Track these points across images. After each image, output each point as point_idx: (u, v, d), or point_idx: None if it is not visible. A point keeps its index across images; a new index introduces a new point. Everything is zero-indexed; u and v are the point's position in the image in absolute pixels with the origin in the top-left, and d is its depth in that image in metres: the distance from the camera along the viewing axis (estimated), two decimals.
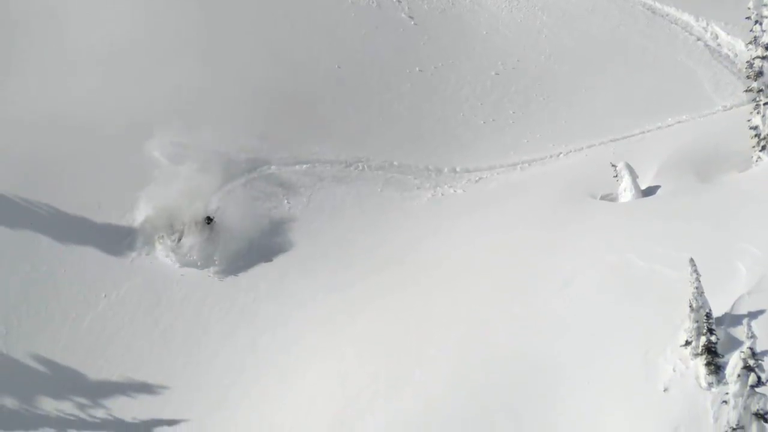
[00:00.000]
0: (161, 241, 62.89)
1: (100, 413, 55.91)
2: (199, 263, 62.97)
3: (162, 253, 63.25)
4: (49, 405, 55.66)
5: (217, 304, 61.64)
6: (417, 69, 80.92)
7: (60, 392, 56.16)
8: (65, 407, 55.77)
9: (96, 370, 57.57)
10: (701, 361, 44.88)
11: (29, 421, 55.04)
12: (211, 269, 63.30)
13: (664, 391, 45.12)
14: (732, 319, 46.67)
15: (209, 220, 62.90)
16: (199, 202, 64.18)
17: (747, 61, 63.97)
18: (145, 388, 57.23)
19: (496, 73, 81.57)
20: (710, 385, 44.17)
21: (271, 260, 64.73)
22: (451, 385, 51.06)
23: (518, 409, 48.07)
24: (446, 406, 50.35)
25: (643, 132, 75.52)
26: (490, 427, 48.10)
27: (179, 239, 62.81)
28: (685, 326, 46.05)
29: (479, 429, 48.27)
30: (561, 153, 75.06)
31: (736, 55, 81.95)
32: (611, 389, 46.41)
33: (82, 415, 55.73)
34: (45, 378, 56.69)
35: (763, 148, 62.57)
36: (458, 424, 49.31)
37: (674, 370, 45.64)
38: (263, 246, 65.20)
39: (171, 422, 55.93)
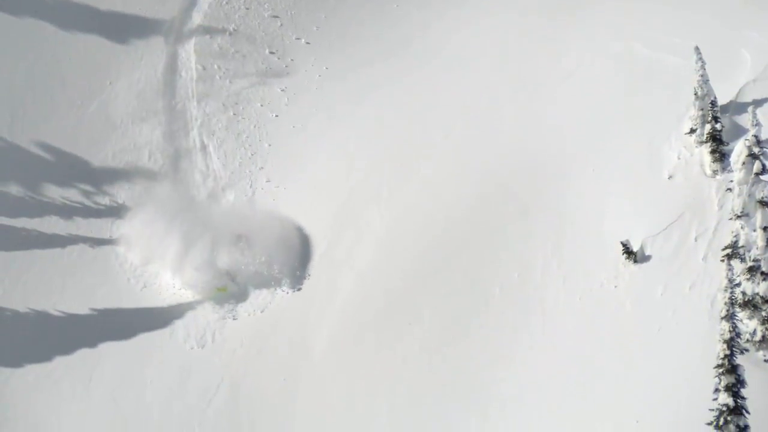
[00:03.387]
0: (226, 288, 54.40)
1: (104, 200, 56.13)
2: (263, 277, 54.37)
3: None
4: (54, 192, 55.94)
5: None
6: None
7: (65, 179, 56.32)
8: (70, 194, 56.04)
9: (101, 158, 57.62)
10: (706, 149, 45.02)
11: (34, 208, 55.28)
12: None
13: (669, 178, 45.38)
14: (737, 106, 46.65)
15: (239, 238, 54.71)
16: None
17: None
18: (151, 176, 57.43)
19: None
20: (715, 172, 44.41)
21: (273, 50, 64.15)
22: (456, 175, 51.34)
23: (523, 198, 48.50)
24: (451, 195, 50.75)
25: None
26: (495, 214, 48.62)
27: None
28: (690, 114, 46.09)
29: (485, 217, 48.83)
30: None
31: None
32: (616, 177, 46.70)
33: (87, 202, 55.96)
34: (50, 165, 56.72)
35: None
36: (462, 211, 49.80)
37: (679, 158, 45.82)
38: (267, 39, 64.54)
39: None
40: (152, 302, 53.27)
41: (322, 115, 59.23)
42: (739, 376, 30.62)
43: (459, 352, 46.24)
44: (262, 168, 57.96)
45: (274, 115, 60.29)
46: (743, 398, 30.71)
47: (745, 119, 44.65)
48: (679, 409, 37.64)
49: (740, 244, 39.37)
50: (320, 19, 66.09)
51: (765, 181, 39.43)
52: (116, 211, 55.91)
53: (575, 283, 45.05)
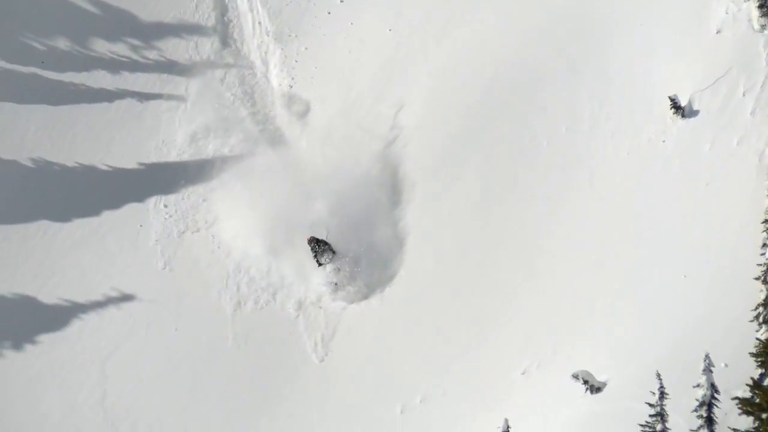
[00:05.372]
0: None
1: (152, 55, 55.64)
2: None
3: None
4: (101, 46, 55.48)
5: None
6: None
7: (112, 34, 55.66)
8: (118, 49, 55.65)
9: (148, 12, 56.59)
10: (753, 4, 44.60)
11: (82, 62, 55.05)
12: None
13: (717, 33, 45.09)
14: None
15: (317, 243, 49.64)
16: None
17: None
18: (199, 31, 56.65)
19: None
20: (763, 27, 44.11)
21: None
22: (503, 30, 50.73)
23: (570, 51, 48.22)
24: (497, 49, 50.36)
25: None
26: (542, 68, 48.42)
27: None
28: None
29: (532, 71, 48.68)
30: None
31: None
32: (664, 32, 46.36)
33: (135, 57, 55.59)
34: (97, 19, 55.86)
35: None
36: (509, 66, 49.67)
37: (727, 13, 45.42)
38: None
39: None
40: (201, 155, 53.61)
41: None
42: None
43: (506, 206, 46.76)
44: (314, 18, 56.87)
45: None
46: None
47: None
48: (727, 264, 38.09)
49: None
50: None
51: None
52: (164, 66, 55.76)
53: (623, 138, 45.22)
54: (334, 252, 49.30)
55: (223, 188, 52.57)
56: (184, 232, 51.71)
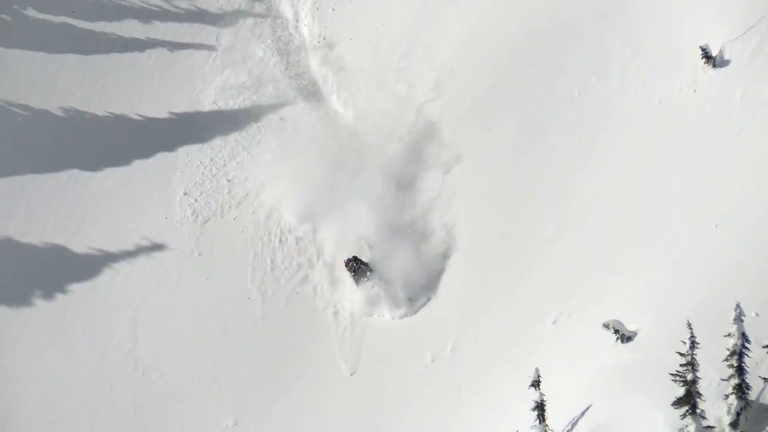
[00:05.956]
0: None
1: (183, 4, 55.84)
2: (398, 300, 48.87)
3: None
4: None
5: None
6: None
7: None
8: None
9: None
10: None
11: (113, 11, 55.34)
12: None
13: None
14: None
15: (355, 262, 49.25)
16: None
17: None
18: None
19: None
20: None
21: None
22: None
23: (602, 4, 48.01)
24: (529, 6, 50.25)
25: None
26: (574, 21, 48.30)
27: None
28: None
29: (563, 19, 48.51)
30: None
31: None
32: None
33: (166, 6, 55.73)
34: None
35: None
36: (539, 15, 49.46)
37: None
38: None
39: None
40: (232, 105, 53.63)
41: None
42: None
43: (537, 157, 46.85)
44: None
45: None
46: None
47: None
48: (757, 213, 37.96)
49: None
50: None
51: None
52: (195, 16, 55.74)
53: (654, 88, 45.05)
54: (371, 270, 48.87)
55: (253, 158, 52.46)
56: (208, 221, 51.55)
